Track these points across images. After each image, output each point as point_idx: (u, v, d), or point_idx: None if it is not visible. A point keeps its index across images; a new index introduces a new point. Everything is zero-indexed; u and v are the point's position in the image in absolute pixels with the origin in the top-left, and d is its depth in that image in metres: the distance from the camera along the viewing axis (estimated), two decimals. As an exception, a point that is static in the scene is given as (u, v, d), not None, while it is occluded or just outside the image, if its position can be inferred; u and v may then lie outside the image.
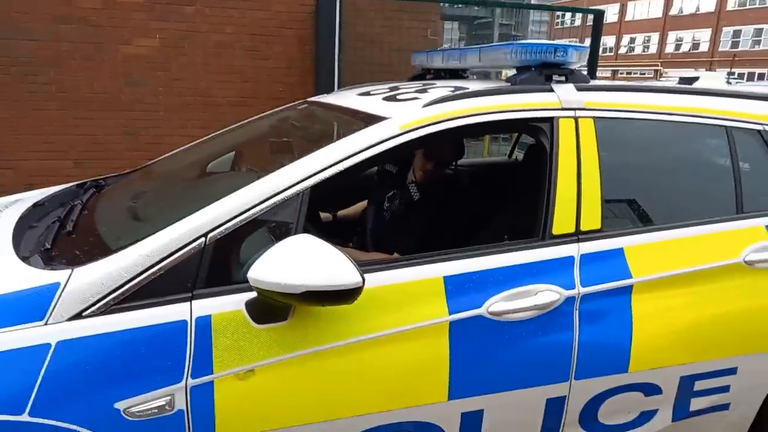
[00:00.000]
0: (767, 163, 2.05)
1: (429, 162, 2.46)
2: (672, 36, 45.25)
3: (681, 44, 44.77)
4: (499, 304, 1.63)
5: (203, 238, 1.46)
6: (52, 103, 4.86)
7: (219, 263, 1.47)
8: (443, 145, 2.45)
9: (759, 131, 2.05)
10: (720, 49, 41.34)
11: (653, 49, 46.32)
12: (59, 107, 4.88)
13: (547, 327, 1.67)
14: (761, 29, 38.88)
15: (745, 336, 1.87)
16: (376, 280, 1.54)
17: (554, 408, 1.72)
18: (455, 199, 2.54)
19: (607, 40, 47.84)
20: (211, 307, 1.44)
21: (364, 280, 1.37)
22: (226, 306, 1.45)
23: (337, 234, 2.67)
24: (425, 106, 1.75)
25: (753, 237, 1.90)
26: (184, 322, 1.41)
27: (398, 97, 1.95)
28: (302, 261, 1.35)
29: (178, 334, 1.40)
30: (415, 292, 1.59)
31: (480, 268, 1.67)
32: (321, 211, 3.05)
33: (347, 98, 2.22)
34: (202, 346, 1.41)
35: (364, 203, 2.84)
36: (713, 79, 15.57)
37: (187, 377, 1.39)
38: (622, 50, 49.04)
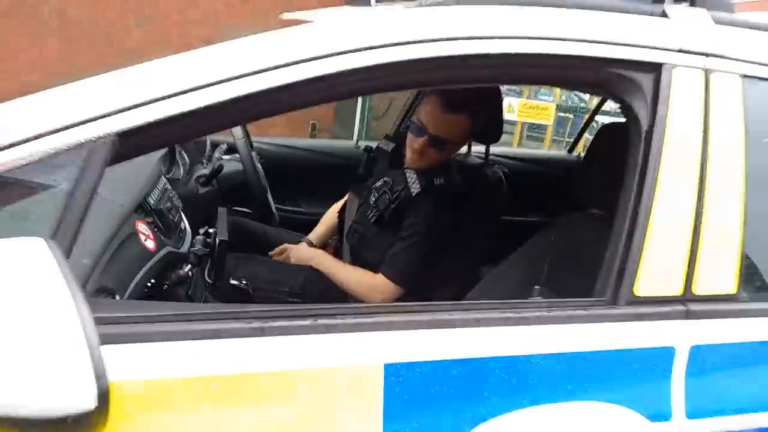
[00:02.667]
0: None
1: (421, 134, 1.55)
2: None
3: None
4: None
5: None
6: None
7: None
8: (443, 102, 1.53)
9: None
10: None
11: None
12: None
13: None
14: None
15: None
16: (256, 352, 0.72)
17: None
18: (473, 204, 1.65)
19: None
20: None
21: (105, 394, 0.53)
22: None
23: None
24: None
25: None
26: None
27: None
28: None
29: None
30: (333, 389, 0.74)
31: (475, 353, 0.80)
32: (283, 201, 2.21)
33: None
34: None
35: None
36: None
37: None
38: None
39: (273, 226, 1.87)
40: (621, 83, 0.94)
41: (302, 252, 1.75)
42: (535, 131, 8.50)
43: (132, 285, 1.03)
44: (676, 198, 0.89)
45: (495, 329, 0.81)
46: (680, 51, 0.94)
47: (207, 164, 1.77)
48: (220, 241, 1.22)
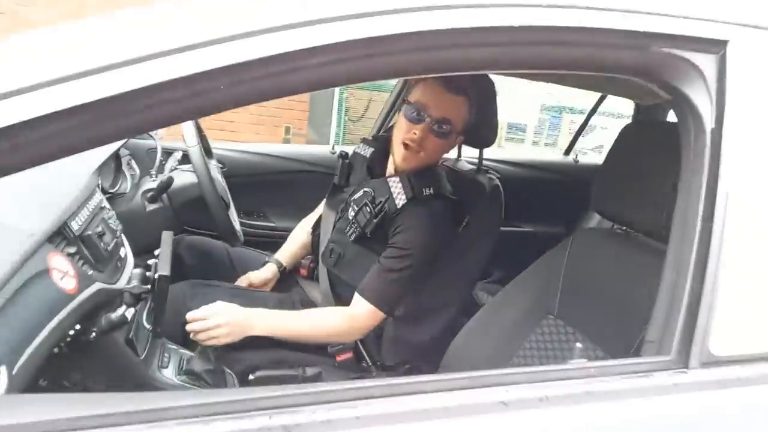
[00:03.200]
0: None
1: (421, 118, 1.32)
2: None
3: None
4: None
5: None
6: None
7: None
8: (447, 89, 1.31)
9: None
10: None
11: None
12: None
13: None
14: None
15: None
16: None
17: None
18: (467, 215, 1.42)
19: None
20: None
21: None
22: None
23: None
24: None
25: None
26: None
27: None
28: None
29: None
30: None
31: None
32: (251, 215, 1.95)
33: None
34: None
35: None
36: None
37: None
38: None
39: (237, 245, 1.61)
40: (673, 66, 0.72)
41: (227, 315, 1.28)
42: (516, 132, 8.36)
43: (32, 347, 0.77)
44: (762, 219, 0.66)
45: (530, 415, 0.58)
46: (742, 26, 0.73)
47: (156, 176, 1.51)
48: (159, 276, 0.96)
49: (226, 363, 1.32)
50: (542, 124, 8.41)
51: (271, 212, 2.04)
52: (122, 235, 1.31)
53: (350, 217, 1.42)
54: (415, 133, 1.32)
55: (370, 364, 1.43)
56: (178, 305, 1.37)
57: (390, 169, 1.46)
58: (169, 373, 1.23)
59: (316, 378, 1.39)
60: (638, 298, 1.05)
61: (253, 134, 4.89)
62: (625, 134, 1.11)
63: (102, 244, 1.11)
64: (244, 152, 2.07)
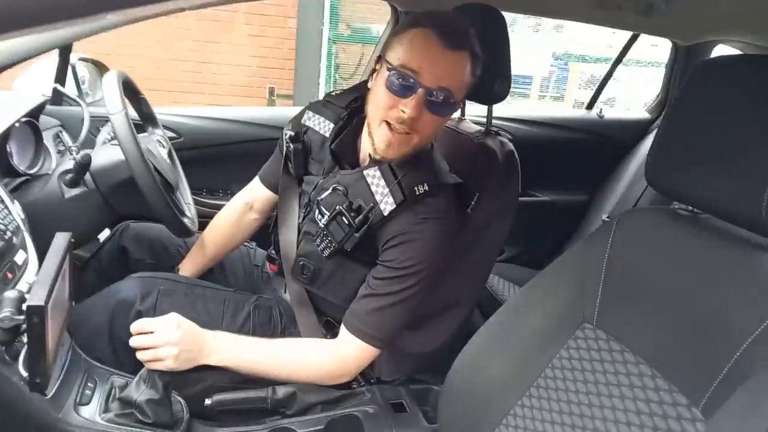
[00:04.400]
0: None
1: (412, 86, 0.96)
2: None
3: None
4: None
5: None
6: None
7: None
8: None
9: None
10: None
11: None
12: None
13: None
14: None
15: None
16: None
17: None
18: (476, 202, 1.11)
19: None
20: None
21: None
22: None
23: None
24: None
25: None
26: None
27: None
28: None
29: None
30: None
31: None
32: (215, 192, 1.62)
33: None
34: None
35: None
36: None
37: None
38: None
39: (190, 234, 1.30)
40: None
41: (180, 333, 0.99)
42: (518, 86, 7.91)
43: None
44: None
45: None
46: None
47: (78, 153, 1.18)
48: (29, 308, 0.65)
49: (175, 385, 1.03)
50: (548, 76, 7.96)
51: (239, 188, 1.73)
52: (24, 233, 1.01)
53: (319, 224, 1.08)
54: (403, 111, 0.96)
55: (362, 382, 1.15)
56: (126, 308, 1.09)
57: (364, 154, 1.10)
58: (89, 412, 0.94)
59: (289, 400, 1.10)
60: (718, 308, 0.76)
61: (239, 99, 4.54)
62: (700, 76, 0.78)
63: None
64: (203, 118, 1.73)
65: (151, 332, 0.99)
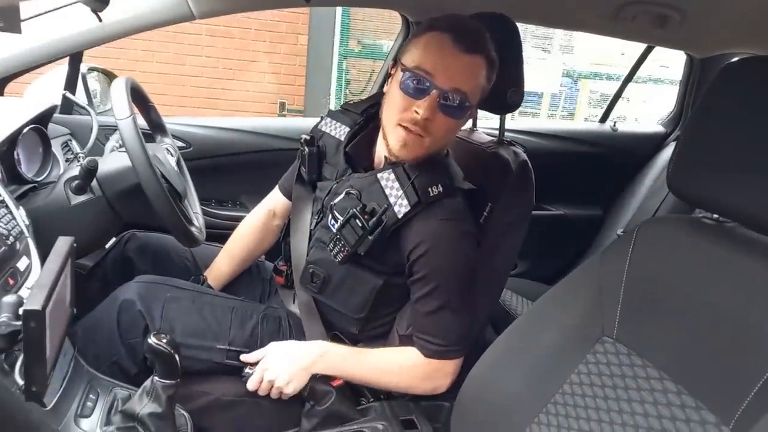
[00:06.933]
0: None
1: (425, 88, 0.97)
2: None
3: None
4: None
5: None
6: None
7: None
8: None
9: None
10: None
11: None
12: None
13: None
14: None
15: None
16: None
17: None
18: (489, 211, 1.09)
19: None
20: None
21: None
22: None
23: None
24: None
25: None
26: None
27: None
28: None
29: None
30: None
31: None
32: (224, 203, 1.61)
33: None
34: None
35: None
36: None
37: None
38: None
39: (197, 244, 1.28)
40: None
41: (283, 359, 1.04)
42: (527, 104, 7.89)
43: None
44: None
45: None
46: None
47: (83, 160, 1.17)
48: (26, 311, 0.63)
49: (179, 398, 1.00)
50: (558, 94, 7.94)
51: (249, 199, 1.72)
52: (28, 239, 0.99)
53: (332, 229, 1.07)
54: (416, 112, 0.97)
55: (371, 399, 1.12)
56: (131, 318, 1.07)
57: (379, 158, 1.10)
58: (90, 425, 0.91)
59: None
60: (746, 321, 0.72)
61: (251, 115, 4.57)
62: (724, 79, 0.75)
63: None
64: (212, 128, 1.72)
65: (264, 369, 1.04)
